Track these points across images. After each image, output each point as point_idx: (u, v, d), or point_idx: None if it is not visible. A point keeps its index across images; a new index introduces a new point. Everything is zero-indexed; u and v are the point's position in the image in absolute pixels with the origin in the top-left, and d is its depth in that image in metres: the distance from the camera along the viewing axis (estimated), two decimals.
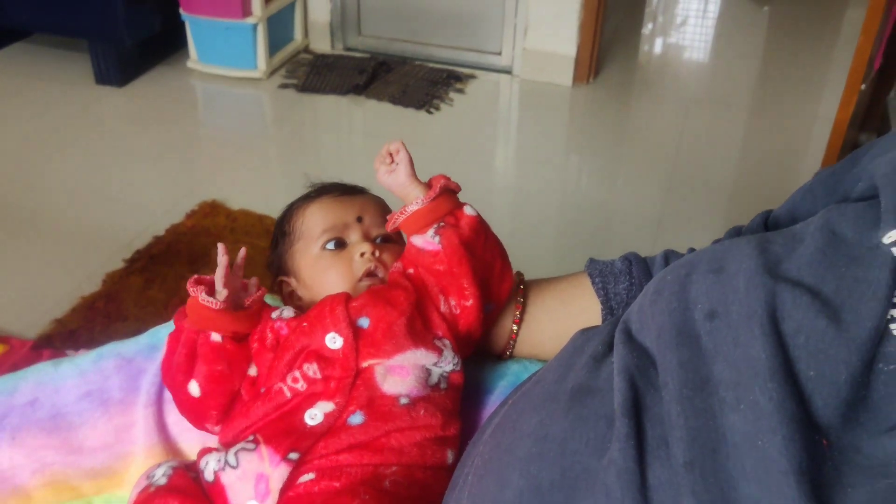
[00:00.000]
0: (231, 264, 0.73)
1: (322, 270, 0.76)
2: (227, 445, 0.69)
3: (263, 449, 0.66)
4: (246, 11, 2.62)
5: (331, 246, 0.77)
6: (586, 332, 0.63)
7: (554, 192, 2.30)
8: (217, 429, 0.73)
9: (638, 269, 0.74)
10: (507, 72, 2.85)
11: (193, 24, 2.70)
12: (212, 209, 2.03)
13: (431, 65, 2.89)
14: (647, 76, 3.13)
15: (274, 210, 2.05)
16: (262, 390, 0.69)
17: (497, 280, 0.74)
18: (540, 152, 2.50)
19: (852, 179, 0.59)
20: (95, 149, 2.36)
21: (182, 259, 1.85)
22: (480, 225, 0.74)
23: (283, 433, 0.66)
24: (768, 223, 0.68)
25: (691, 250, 0.74)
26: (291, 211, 0.82)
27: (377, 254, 0.76)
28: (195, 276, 0.72)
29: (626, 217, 2.15)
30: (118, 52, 2.64)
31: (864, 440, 0.45)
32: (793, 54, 3.18)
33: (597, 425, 0.51)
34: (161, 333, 0.80)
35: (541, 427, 0.53)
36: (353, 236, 0.77)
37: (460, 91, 2.75)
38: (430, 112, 2.62)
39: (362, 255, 0.76)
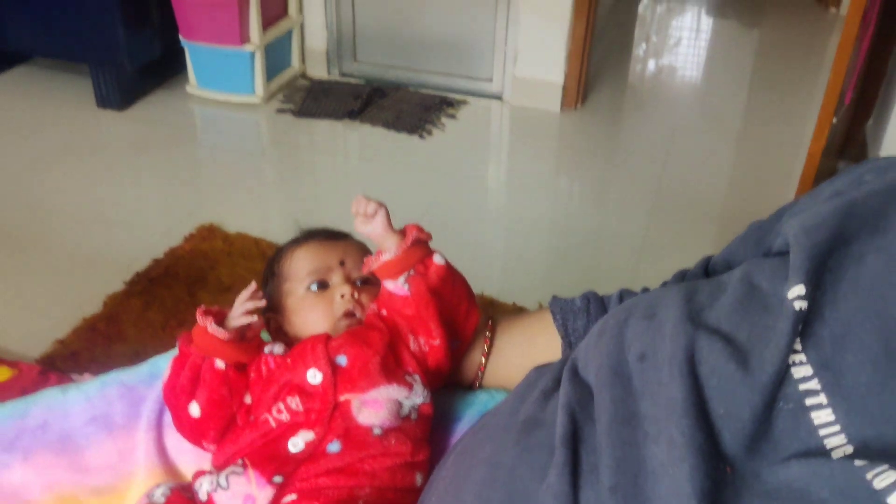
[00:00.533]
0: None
1: (306, 309, 0.84)
2: (219, 468, 0.77)
3: (251, 472, 0.74)
4: (244, 39, 2.71)
5: (314, 287, 0.84)
6: (540, 369, 0.71)
7: (544, 215, 2.37)
8: (212, 447, 0.80)
9: (595, 307, 0.81)
10: (498, 98, 2.94)
11: (193, 51, 2.78)
12: (209, 233, 2.10)
13: (424, 91, 2.97)
14: (635, 101, 3.21)
15: (270, 233, 2.16)
16: (252, 418, 0.77)
17: (463, 320, 0.81)
18: (530, 176, 2.57)
19: (775, 234, 0.67)
20: (96, 172, 2.44)
21: (180, 282, 1.92)
22: (448, 272, 0.81)
23: (269, 458, 0.74)
24: (708, 268, 0.76)
25: (645, 290, 0.81)
26: (281, 253, 0.90)
27: (356, 295, 0.83)
28: (203, 306, 0.80)
29: (614, 240, 2.22)
30: (119, 77, 2.72)
31: (763, 468, 0.52)
32: (779, 80, 3.27)
33: (541, 454, 0.58)
34: (160, 363, 0.87)
35: (494, 455, 0.60)
36: (336, 278, 0.85)
37: (452, 116, 2.83)
38: (422, 137, 2.70)
39: (342, 296, 0.83)
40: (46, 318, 1.80)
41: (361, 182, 2.52)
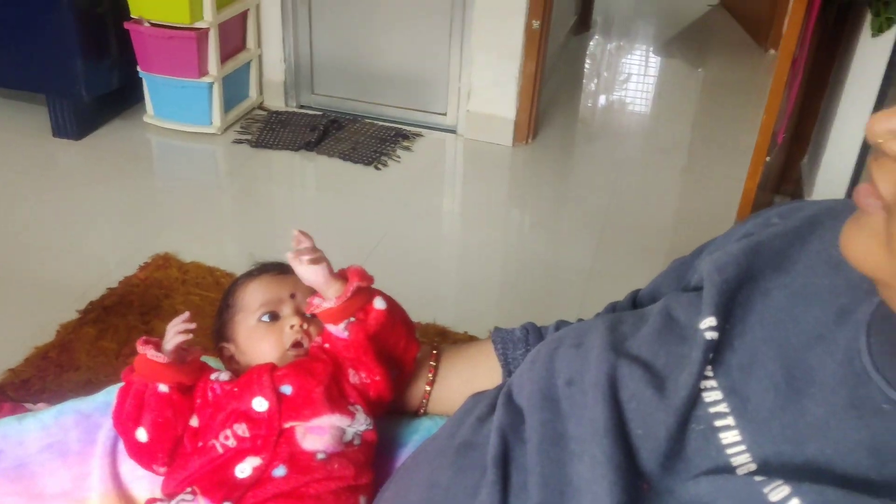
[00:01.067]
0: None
1: (257, 339, 0.88)
2: (170, 496, 0.80)
3: (201, 499, 0.77)
4: (202, 71, 2.74)
5: (266, 318, 0.89)
6: (476, 396, 0.76)
7: (496, 245, 2.44)
8: (163, 470, 0.83)
9: (533, 337, 0.87)
10: (452, 131, 3.02)
11: (150, 82, 2.80)
12: (164, 262, 2.12)
13: (381, 123, 3.04)
14: (585, 135, 3.32)
15: (225, 262, 2.18)
16: (199, 444, 0.80)
17: (402, 353, 0.86)
18: (483, 208, 2.64)
19: (693, 270, 0.73)
20: (51, 201, 2.44)
21: (134, 310, 1.94)
22: (388, 316, 0.85)
23: (217, 485, 0.78)
24: (636, 300, 0.82)
25: (580, 320, 0.87)
26: (235, 286, 0.94)
27: (305, 326, 0.88)
28: (143, 337, 0.83)
29: (563, 270, 2.29)
30: (76, 107, 2.73)
31: (677, 485, 0.58)
32: (721, 117, 3.41)
33: (473, 474, 0.63)
34: (116, 392, 0.90)
35: (431, 476, 0.65)
36: (286, 310, 0.89)
37: (407, 149, 2.89)
38: (378, 168, 2.75)
39: (292, 327, 0.87)
40: None
41: (317, 212, 2.56)
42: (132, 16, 2.68)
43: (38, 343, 1.81)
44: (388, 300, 0.86)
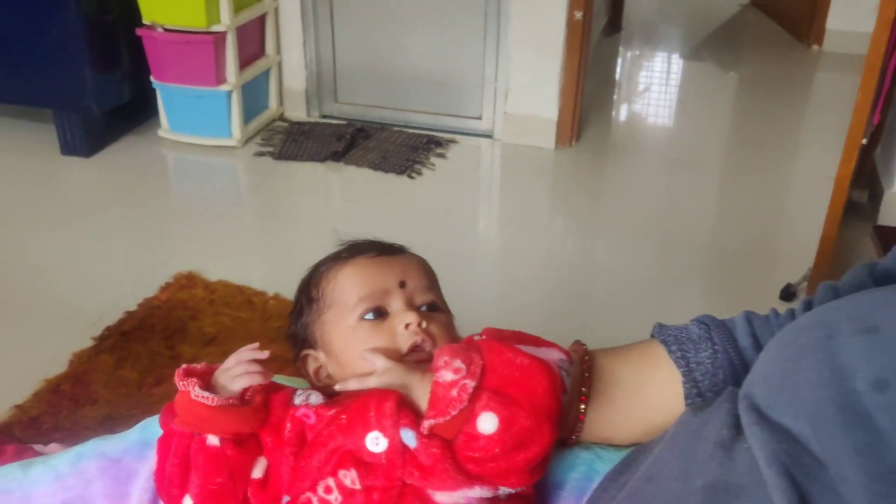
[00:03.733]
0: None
1: (359, 345, 0.65)
2: None
3: None
4: (220, 79, 2.55)
5: (370, 316, 0.66)
6: (699, 414, 0.53)
7: (538, 254, 2.23)
8: None
9: (719, 334, 0.64)
10: (489, 136, 2.81)
11: (165, 92, 2.61)
12: (188, 281, 1.91)
13: (411, 130, 2.83)
14: (628, 138, 3.12)
15: (254, 280, 1.97)
16: (286, 501, 0.57)
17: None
18: (523, 215, 2.43)
19: None
20: (61, 222, 2.24)
21: (157, 335, 1.72)
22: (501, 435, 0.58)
23: None
24: (876, 275, 0.59)
25: (774, 311, 0.65)
26: (320, 274, 0.71)
27: (424, 325, 0.65)
28: (184, 365, 0.61)
29: (611, 277, 2.08)
30: (85, 122, 2.55)
31: None
32: (764, 115, 3.20)
33: None
34: (154, 427, 0.68)
35: None
36: (395, 304, 0.67)
37: (441, 156, 2.69)
38: (411, 177, 2.55)
39: (407, 326, 0.65)
40: (2, 381, 1.58)
41: (348, 224, 2.35)
42: (144, 21, 2.49)
43: (48, 375, 1.60)
44: (503, 405, 0.57)
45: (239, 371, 0.62)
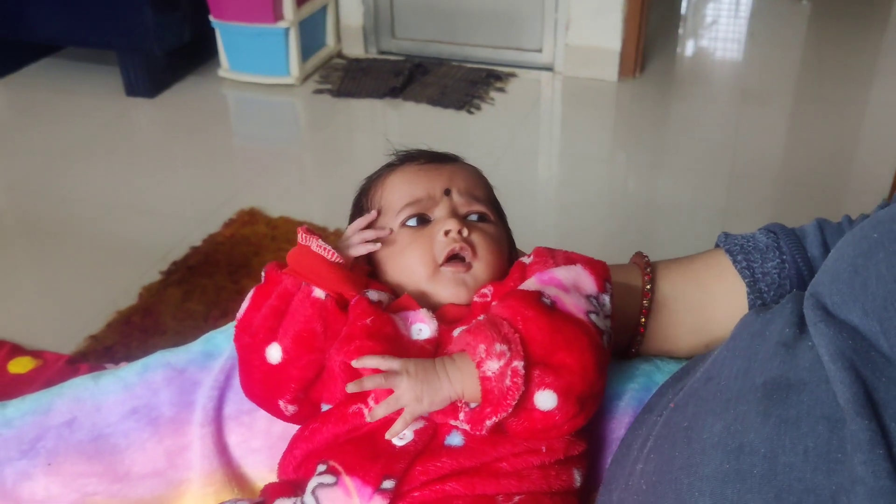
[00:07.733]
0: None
1: (399, 250, 0.64)
2: (293, 482, 0.58)
3: (347, 480, 0.54)
4: (277, 16, 2.54)
5: (412, 223, 0.65)
6: (762, 315, 0.51)
7: (601, 189, 2.18)
8: (291, 409, 0.61)
9: (788, 243, 0.61)
10: (549, 69, 2.74)
11: (224, 31, 2.62)
12: (250, 217, 1.93)
13: (469, 65, 2.78)
14: (693, 69, 3.00)
15: (314, 216, 1.98)
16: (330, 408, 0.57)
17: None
18: (585, 149, 2.38)
19: None
20: (128, 160, 2.29)
21: (221, 269, 1.75)
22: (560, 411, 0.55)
23: (369, 457, 0.54)
24: None
25: (847, 217, 0.62)
26: (370, 183, 0.70)
27: (465, 233, 0.63)
28: (305, 225, 0.63)
29: (677, 212, 2.03)
30: (148, 63, 2.57)
31: None
32: (838, 44, 3.05)
33: (814, 430, 0.39)
34: (217, 339, 0.69)
35: (730, 436, 0.41)
36: (439, 212, 0.65)
37: (501, 90, 2.64)
38: (470, 112, 2.51)
39: (447, 233, 0.63)
40: (77, 312, 1.64)
41: None
42: None
43: (119, 307, 1.64)
44: (560, 379, 0.53)
45: (357, 240, 0.64)
